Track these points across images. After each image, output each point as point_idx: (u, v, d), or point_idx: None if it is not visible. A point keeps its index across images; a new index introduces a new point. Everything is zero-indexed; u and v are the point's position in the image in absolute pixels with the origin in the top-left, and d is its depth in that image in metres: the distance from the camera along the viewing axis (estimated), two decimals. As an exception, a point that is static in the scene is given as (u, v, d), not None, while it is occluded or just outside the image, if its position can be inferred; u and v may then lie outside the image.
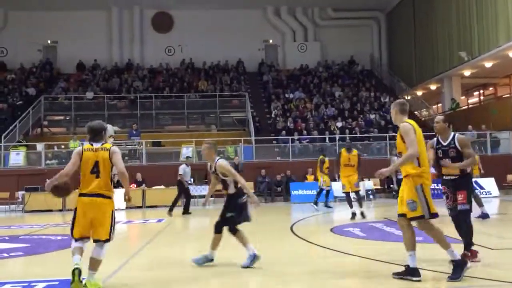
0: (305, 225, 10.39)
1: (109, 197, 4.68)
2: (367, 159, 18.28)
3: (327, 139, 20.45)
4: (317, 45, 30.77)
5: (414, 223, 4.74)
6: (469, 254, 5.33)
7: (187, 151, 19.27)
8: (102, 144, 4.81)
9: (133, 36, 29.68)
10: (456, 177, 5.44)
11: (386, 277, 5.00)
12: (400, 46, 29.85)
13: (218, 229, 5.75)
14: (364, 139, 20.61)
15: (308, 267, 5.63)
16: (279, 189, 18.27)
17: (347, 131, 21.34)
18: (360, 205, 10.90)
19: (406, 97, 28.41)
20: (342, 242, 7.75)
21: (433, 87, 27.15)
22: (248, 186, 5.78)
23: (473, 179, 16.16)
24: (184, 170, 14.47)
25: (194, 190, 18.35)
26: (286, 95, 25.66)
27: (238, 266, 5.67)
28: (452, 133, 5.64)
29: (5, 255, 7.18)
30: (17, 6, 27.87)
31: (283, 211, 15.02)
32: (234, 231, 5.64)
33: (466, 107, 25.60)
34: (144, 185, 17.27)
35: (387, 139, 19.63)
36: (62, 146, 20.05)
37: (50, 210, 15.91)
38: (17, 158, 18.61)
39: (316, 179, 15.58)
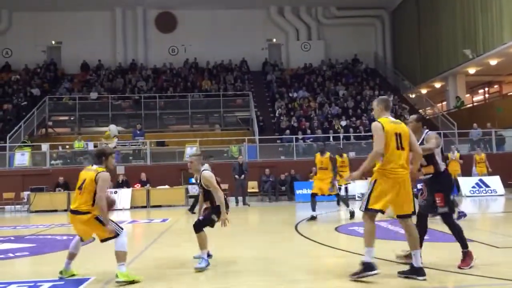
0: (310, 224, 10.37)
1: (87, 212, 5.01)
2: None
3: (331, 138, 20.41)
4: (321, 43, 30.71)
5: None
6: (465, 251, 5.16)
7: (191, 150, 19.26)
8: (99, 167, 5.16)
9: (136, 36, 29.73)
10: (430, 175, 5.34)
11: (391, 276, 4.99)
12: (404, 44, 29.75)
13: (198, 229, 5.76)
14: (368, 137, 20.53)
15: (313, 266, 5.62)
16: (283, 188, 18.26)
17: (351, 130, 21.30)
18: (347, 205, 10.88)
19: (410, 95, 28.36)
20: (347, 241, 7.73)
21: (437, 85, 27.05)
22: (223, 204, 5.78)
23: (479, 178, 16.08)
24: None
25: (197, 190, 18.40)
26: (290, 94, 25.63)
27: (240, 265, 5.66)
28: (425, 132, 5.54)
29: (11, 255, 7.21)
30: (21, 7, 27.99)
31: (288, 210, 15.00)
32: (199, 230, 5.71)
33: (471, 105, 25.50)
34: (148, 185, 17.30)
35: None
36: (67, 146, 20.12)
37: (56, 210, 15.98)
38: (22, 158, 18.69)
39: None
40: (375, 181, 4.71)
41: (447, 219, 5.24)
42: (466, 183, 16.70)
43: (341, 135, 20.31)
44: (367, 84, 27.15)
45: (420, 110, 26.62)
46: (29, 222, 13.28)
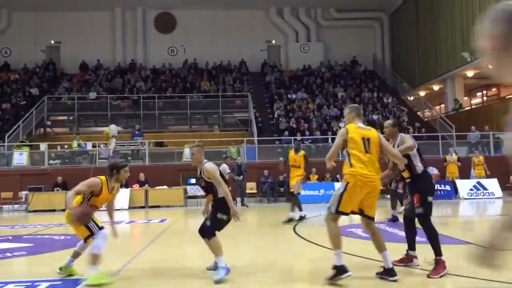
0: (308, 225, 10.38)
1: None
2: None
3: (329, 139, 20.42)
4: (320, 45, 30.76)
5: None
6: (437, 259, 4.99)
7: (190, 151, 19.28)
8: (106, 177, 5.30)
9: (136, 37, 29.74)
10: (409, 179, 5.33)
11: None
12: (403, 46, 29.81)
13: (209, 234, 5.23)
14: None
15: (311, 268, 5.63)
16: (281, 189, 18.27)
17: (349, 131, 21.28)
18: (292, 209, 10.67)
19: (409, 98, 28.41)
20: (345, 242, 7.72)
21: (436, 87, 27.11)
22: (231, 197, 5.30)
23: (477, 180, 16.06)
24: (223, 169, 14.92)
25: (198, 190, 18.39)
26: (289, 96, 25.66)
27: (239, 266, 5.67)
28: (399, 136, 5.46)
29: (9, 254, 7.20)
30: (20, 6, 27.99)
31: (286, 211, 14.99)
32: (208, 235, 5.20)
33: (469, 107, 25.54)
34: (147, 185, 17.29)
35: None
36: (65, 146, 20.10)
37: (54, 210, 15.96)
38: (20, 158, 18.67)
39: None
40: (346, 184, 4.74)
41: (423, 220, 5.13)
42: (464, 186, 16.74)
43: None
44: (365, 86, 27.20)
45: (419, 113, 26.69)
46: (27, 222, 13.27)
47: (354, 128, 4.90)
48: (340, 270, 4.66)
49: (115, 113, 23.67)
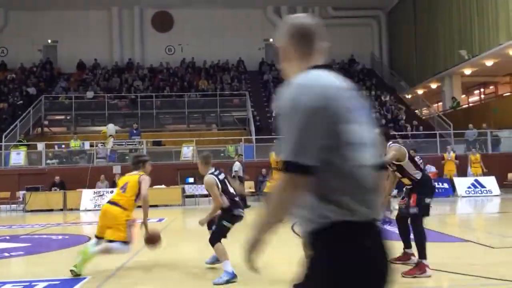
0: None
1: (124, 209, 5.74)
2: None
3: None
4: (318, 44, 30.69)
5: None
6: (419, 261, 4.96)
7: (187, 150, 19.27)
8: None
9: (133, 36, 29.67)
10: (410, 185, 5.32)
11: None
12: (400, 44, 29.82)
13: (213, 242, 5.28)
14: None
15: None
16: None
17: (347, 130, 21.29)
18: None
19: (407, 96, 28.43)
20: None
21: (433, 85, 27.13)
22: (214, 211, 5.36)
23: (475, 178, 16.06)
24: (238, 167, 15.34)
25: (196, 189, 18.38)
26: (287, 94, 25.60)
27: (237, 267, 5.65)
28: (388, 145, 5.35)
29: (6, 254, 7.18)
30: (17, 5, 27.88)
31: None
32: (214, 243, 5.23)
33: (467, 105, 25.57)
34: (144, 184, 17.23)
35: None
36: (63, 146, 20.04)
37: (51, 210, 15.91)
38: (17, 157, 18.61)
39: None
40: None
41: (415, 220, 5.13)
42: (461, 184, 16.76)
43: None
44: (363, 84, 27.19)
45: (416, 111, 26.70)
46: (24, 222, 13.23)
47: None
48: None
49: (112, 113, 23.61)
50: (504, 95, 24.08)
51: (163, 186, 17.35)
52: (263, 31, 30.37)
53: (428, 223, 8.06)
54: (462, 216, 12.05)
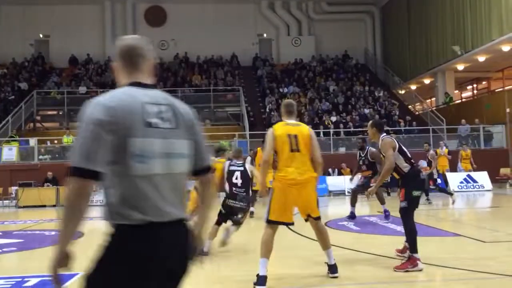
0: (299, 218, 10.40)
1: None
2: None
3: (321, 133, 20.46)
4: (312, 39, 30.72)
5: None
6: (410, 255, 5.02)
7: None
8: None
9: (126, 30, 29.44)
10: (399, 178, 5.35)
11: (377, 269, 5.04)
12: (394, 40, 29.86)
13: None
14: (358, 133, 20.65)
15: (301, 261, 5.64)
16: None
17: (341, 125, 21.37)
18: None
19: (400, 91, 28.53)
20: (337, 236, 7.77)
21: (427, 81, 27.23)
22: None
23: (467, 173, 16.16)
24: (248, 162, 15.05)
25: (190, 184, 18.34)
26: (281, 90, 25.61)
27: (228, 260, 5.66)
28: (381, 137, 5.43)
29: (-1, 250, 7.14)
30: (8, 0, 27.57)
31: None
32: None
33: (460, 101, 25.71)
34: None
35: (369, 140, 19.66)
36: (55, 141, 19.92)
37: (44, 206, 15.83)
38: (10, 153, 18.47)
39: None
40: (272, 189, 4.51)
41: (404, 214, 5.15)
42: (454, 179, 16.87)
43: (331, 131, 20.37)
44: (357, 79, 27.25)
45: (410, 106, 26.80)
46: (17, 218, 13.15)
47: (281, 126, 4.67)
48: (258, 281, 4.30)
49: (105, 108, 23.47)
50: (496, 90, 24.23)
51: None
52: (256, 26, 30.31)
53: (421, 217, 8.13)
54: (454, 211, 12.15)
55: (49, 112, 24.72)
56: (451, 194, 12.35)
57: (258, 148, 11.13)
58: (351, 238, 7.48)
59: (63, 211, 1.69)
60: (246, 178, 6.38)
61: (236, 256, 6.13)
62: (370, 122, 5.89)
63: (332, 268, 4.72)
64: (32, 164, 18.05)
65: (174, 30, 29.14)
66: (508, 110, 18.52)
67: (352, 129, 20.98)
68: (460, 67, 23.95)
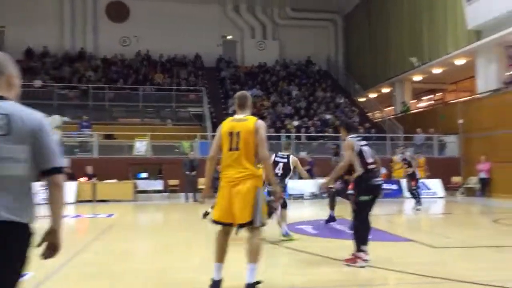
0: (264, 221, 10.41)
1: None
2: (322, 158, 18.64)
3: (283, 137, 20.63)
4: (276, 43, 30.99)
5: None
6: (355, 254, 5.36)
7: (140, 145, 18.87)
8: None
9: (86, 24, 28.65)
10: (354, 179, 5.58)
11: (330, 272, 5.11)
12: (355, 49, 30.56)
13: None
14: (319, 138, 20.99)
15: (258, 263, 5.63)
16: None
17: (303, 130, 21.63)
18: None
19: (361, 99, 29.21)
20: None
21: (385, 90, 28.02)
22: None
23: (421, 180, 16.70)
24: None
25: (148, 185, 18.06)
26: (244, 92, 25.61)
27: (183, 263, 5.59)
28: (348, 137, 5.70)
29: None
30: (-39, -15, 26.21)
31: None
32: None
33: (416, 110, 26.57)
34: (95, 178, 16.74)
35: (341, 139, 20.07)
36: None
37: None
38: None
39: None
40: (218, 190, 4.35)
41: (353, 216, 5.46)
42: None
43: (293, 135, 20.58)
44: (319, 85, 27.69)
45: (369, 114, 27.48)
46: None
47: (228, 122, 4.39)
48: (211, 285, 4.20)
49: (62, 103, 22.68)
50: (451, 102, 25.23)
51: (114, 180, 16.91)
52: (221, 28, 30.24)
53: (377, 222, 8.33)
54: (408, 216, 12.53)
55: (2, 105, 23.62)
56: (419, 202, 12.66)
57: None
58: (308, 242, 7.56)
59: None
60: (286, 168, 7.55)
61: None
62: (339, 121, 6.18)
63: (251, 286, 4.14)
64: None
65: (136, 26, 28.58)
66: (460, 121, 19.33)
67: (313, 133, 21.29)
68: (417, 78, 24.81)
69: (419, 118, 23.07)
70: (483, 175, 17.66)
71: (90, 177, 16.81)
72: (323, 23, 32.00)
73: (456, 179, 19.28)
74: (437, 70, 22.78)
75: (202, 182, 17.89)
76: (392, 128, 23.07)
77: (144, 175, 18.40)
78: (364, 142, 5.64)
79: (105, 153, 18.55)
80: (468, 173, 18.89)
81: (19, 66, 2.35)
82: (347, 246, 5.87)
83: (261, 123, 4.30)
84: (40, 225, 2.27)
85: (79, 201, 15.84)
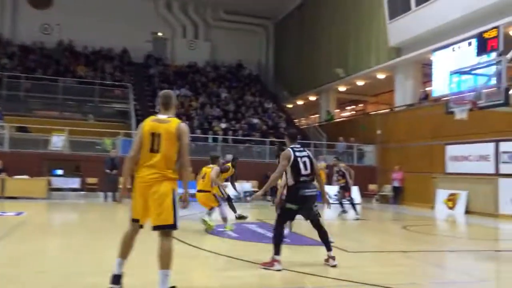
0: (180, 224, 10.20)
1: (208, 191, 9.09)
2: (248, 161, 18.77)
3: (210, 139, 20.51)
4: (207, 44, 30.81)
5: None
6: (273, 257, 5.46)
7: (58, 139, 17.79)
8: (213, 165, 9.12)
9: (3, 6, 26.56)
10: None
11: (245, 276, 5.11)
12: (285, 56, 31.24)
13: None
14: (245, 142, 21.12)
15: (176, 267, 5.49)
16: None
17: (230, 132, 21.66)
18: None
19: (288, 105, 29.87)
20: (215, 242, 7.77)
21: (312, 98, 28.94)
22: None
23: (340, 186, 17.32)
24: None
25: (64, 182, 17.04)
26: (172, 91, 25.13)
27: (99, 266, 5.31)
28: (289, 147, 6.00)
29: None
30: None
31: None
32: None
33: (339, 119, 27.72)
34: (4, 173, 15.48)
35: (268, 143, 20.40)
36: None
37: None
38: None
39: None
40: (133, 189, 4.27)
41: (275, 221, 5.71)
42: (329, 191, 18.01)
43: (220, 137, 20.51)
44: (249, 89, 27.93)
45: (296, 120, 28.19)
46: None
47: (150, 121, 4.27)
48: (112, 279, 4.15)
49: (-30, 90, 20.82)
50: (371, 113, 26.61)
51: (26, 176, 15.76)
52: (152, 24, 29.51)
53: (297, 227, 8.48)
54: (326, 221, 12.93)
55: None
56: (345, 211, 13.10)
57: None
58: (228, 245, 7.53)
59: None
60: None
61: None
62: (286, 131, 6.42)
63: None
64: None
65: (60, 14, 26.87)
66: (379, 132, 20.43)
67: (240, 137, 21.39)
68: (342, 88, 25.93)
69: (342, 127, 24.06)
70: (396, 183, 18.79)
71: (-2, 171, 15.53)
72: (256, 28, 32.38)
73: (372, 186, 20.34)
74: (360, 82, 23.96)
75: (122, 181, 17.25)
76: (316, 135, 23.84)
77: (60, 172, 17.34)
78: (304, 154, 5.74)
79: (18, 146, 17.25)
80: (384, 181, 20.01)
81: None
82: (267, 249, 5.91)
83: (184, 127, 4.20)
84: None
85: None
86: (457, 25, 16.12)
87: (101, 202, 15.44)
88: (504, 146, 14.14)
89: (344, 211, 13.27)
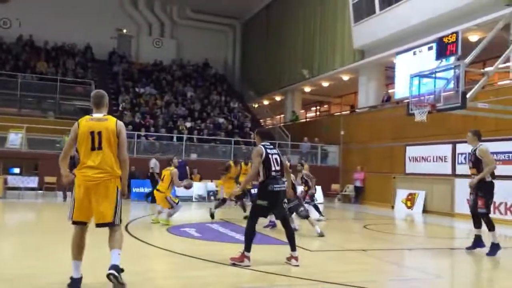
0: (141, 224, 10.05)
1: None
2: (213, 161, 18.69)
3: (174, 138, 20.30)
4: (173, 42, 30.48)
5: None
6: (243, 253, 5.62)
7: (15, 137, 17.16)
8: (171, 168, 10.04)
9: (-42, -2, 25.38)
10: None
11: (206, 276, 5.09)
12: (252, 56, 31.31)
13: None
14: (210, 141, 21.03)
15: (137, 267, 5.41)
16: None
17: (195, 131, 21.51)
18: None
19: (254, 105, 29.94)
20: (176, 241, 7.69)
21: (278, 98, 29.12)
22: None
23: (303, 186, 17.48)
24: (155, 163, 15.92)
25: (21, 181, 16.43)
26: (136, 89, 24.75)
27: (61, 267, 5.16)
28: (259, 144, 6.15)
29: None
30: None
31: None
32: None
33: (304, 120, 28.02)
34: (-45, 172, 14.79)
35: (233, 143, 20.38)
36: None
37: None
38: None
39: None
40: (74, 189, 4.32)
41: (248, 218, 5.93)
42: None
43: (185, 136, 20.33)
44: (215, 89, 27.82)
45: (261, 120, 28.29)
46: None
47: (86, 121, 4.34)
48: (71, 283, 4.18)
49: None
50: (335, 114, 27.07)
51: (-21, 175, 15.11)
52: (117, 20, 28.93)
53: (260, 227, 8.51)
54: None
55: None
56: (320, 214, 12.88)
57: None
58: (189, 244, 7.47)
59: None
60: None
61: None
62: (256, 130, 6.45)
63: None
64: None
65: (20, 8, 26.05)
66: (342, 132, 20.78)
67: (205, 136, 21.27)
68: (307, 89, 26.21)
69: (306, 127, 24.33)
70: (358, 183, 19.17)
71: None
72: (222, 28, 32.28)
73: (335, 186, 20.67)
74: (325, 83, 24.29)
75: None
76: (281, 135, 24.00)
77: (16, 170, 16.74)
78: (274, 151, 5.95)
79: (-29, 144, 16.52)
80: (346, 181, 20.37)
81: None
82: (229, 249, 5.90)
83: (122, 124, 4.44)
84: None
85: None
86: (419, 30, 16.60)
87: (60, 202, 15.00)
88: (461, 148, 14.68)
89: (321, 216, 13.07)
